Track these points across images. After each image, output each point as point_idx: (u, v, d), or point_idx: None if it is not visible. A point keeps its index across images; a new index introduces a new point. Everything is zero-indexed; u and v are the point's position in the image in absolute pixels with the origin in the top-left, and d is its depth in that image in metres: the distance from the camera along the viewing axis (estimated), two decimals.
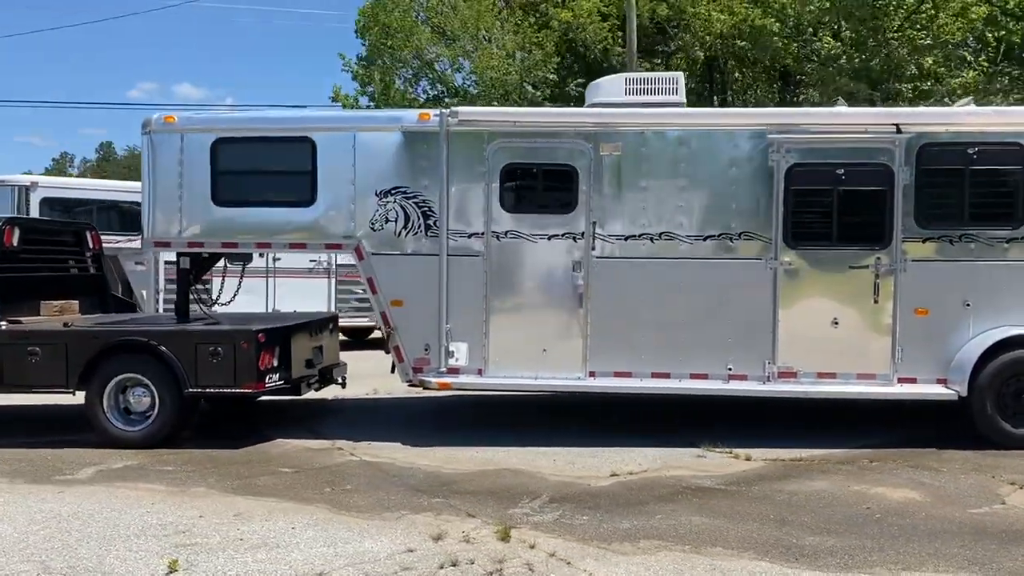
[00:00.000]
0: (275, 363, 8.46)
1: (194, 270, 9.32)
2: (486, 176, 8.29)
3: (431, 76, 33.47)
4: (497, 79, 29.32)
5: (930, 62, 26.01)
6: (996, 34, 27.45)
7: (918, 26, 26.73)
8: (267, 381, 8.34)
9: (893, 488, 6.62)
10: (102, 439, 8.25)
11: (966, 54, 27.49)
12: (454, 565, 5.05)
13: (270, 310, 16.97)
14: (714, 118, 8.50)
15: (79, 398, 8.37)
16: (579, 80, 29.05)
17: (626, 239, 8.23)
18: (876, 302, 8.07)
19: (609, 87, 8.94)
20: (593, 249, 8.23)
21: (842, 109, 8.47)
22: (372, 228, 8.43)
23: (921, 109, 8.59)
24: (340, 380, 9.54)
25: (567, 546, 5.37)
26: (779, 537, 5.51)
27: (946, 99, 21.90)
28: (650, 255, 8.21)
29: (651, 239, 8.21)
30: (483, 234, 8.32)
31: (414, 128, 8.38)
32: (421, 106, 32.20)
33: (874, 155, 8.05)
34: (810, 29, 26.23)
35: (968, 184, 8.01)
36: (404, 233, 8.40)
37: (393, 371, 8.88)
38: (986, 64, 27.23)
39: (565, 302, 8.31)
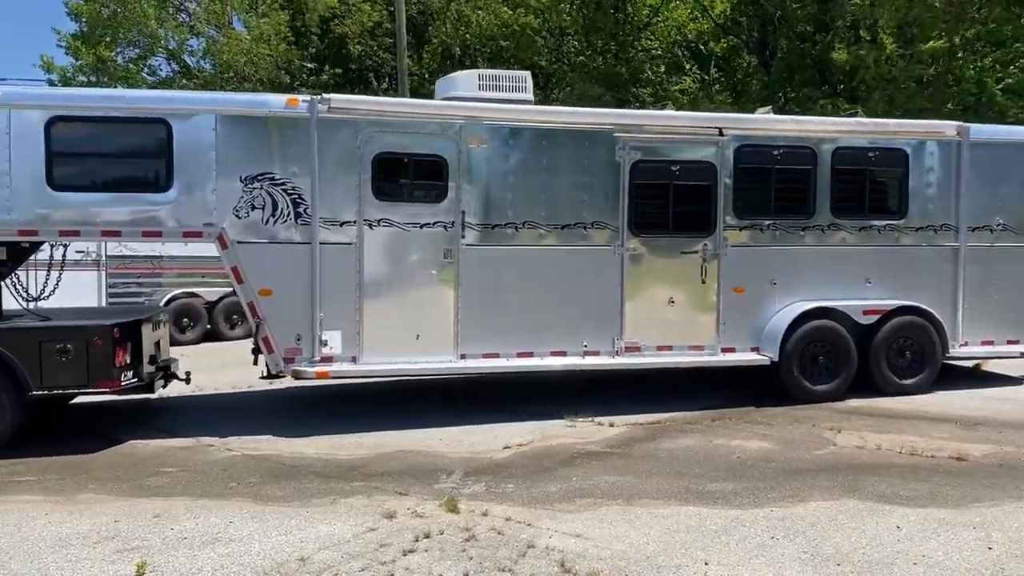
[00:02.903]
0: (128, 360, 7.93)
1: (10, 261, 8.41)
2: (358, 165, 8.34)
3: (163, 54, 31.75)
4: (245, 62, 28.23)
5: (663, 69, 29.11)
6: (707, 46, 31.42)
7: (651, 37, 29.81)
8: (122, 379, 7.80)
9: (745, 440, 7.74)
10: None
11: (684, 62, 31.09)
12: (427, 537, 5.27)
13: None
14: (569, 116, 9.17)
15: None
16: (336, 70, 28.86)
17: (493, 227, 8.69)
18: (704, 283, 9.26)
19: (462, 82, 9.33)
20: (463, 237, 8.60)
21: (676, 112, 9.58)
22: (236, 215, 8.14)
23: (739, 115, 9.88)
24: (184, 376, 9.05)
25: (516, 511, 5.77)
26: (687, 486, 6.32)
27: (669, 103, 24.47)
28: (515, 243, 8.75)
29: (515, 227, 8.75)
30: (355, 222, 8.37)
31: (282, 114, 8.21)
32: (154, 86, 30.40)
33: (702, 154, 9.21)
34: (561, 34, 28.22)
35: (773, 181, 9.45)
36: (272, 221, 8.20)
37: (256, 362, 8.66)
38: (699, 73, 31.00)
39: (436, 288, 8.61)
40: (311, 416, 9.17)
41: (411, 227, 8.50)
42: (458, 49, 28.34)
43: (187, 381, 9.08)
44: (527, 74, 9.46)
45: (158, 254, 16.40)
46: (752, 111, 11.15)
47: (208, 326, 16.96)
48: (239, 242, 8.15)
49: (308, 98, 8.30)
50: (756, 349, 9.41)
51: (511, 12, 26.01)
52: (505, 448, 7.56)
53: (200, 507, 5.97)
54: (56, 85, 31.52)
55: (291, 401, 10.06)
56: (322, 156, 8.24)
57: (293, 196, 8.23)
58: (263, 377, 8.96)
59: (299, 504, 6.02)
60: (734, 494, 6.10)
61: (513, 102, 9.10)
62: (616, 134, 8.95)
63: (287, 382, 9.45)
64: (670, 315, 9.20)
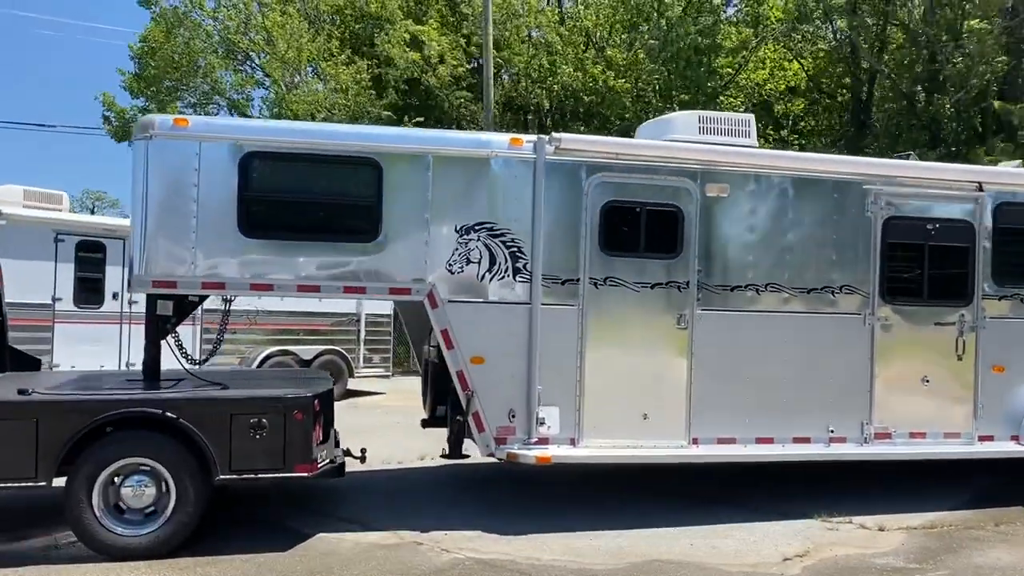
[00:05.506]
0: (321, 437, 6.71)
1: (175, 317, 7.26)
2: (585, 214, 7.20)
3: (223, 103, 31.28)
4: (317, 113, 27.48)
5: None
6: (784, 107, 30.60)
7: (731, 95, 28.99)
8: (319, 461, 6.57)
9: None
10: (89, 547, 6.05)
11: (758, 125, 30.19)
12: None
13: (126, 364, 14.26)
14: (818, 164, 7.97)
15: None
16: (417, 119, 28.09)
17: (732, 290, 7.48)
18: (960, 359, 7.96)
19: (681, 124, 8.20)
20: (698, 300, 7.39)
21: (932, 164, 8.44)
22: (449, 270, 6.99)
23: (999, 168, 8.70)
24: (359, 453, 7.78)
25: None
26: None
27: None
28: (755, 308, 7.52)
29: (756, 290, 7.53)
30: (579, 280, 7.19)
31: (504, 155, 7.11)
32: None
33: (959, 211, 8.01)
34: (649, 91, 27.36)
35: None
36: (489, 277, 7.05)
37: (452, 439, 7.39)
38: (773, 133, 30.02)
39: (667, 359, 7.37)
40: (506, 504, 7.85)
41: (640, 287, 7.31)
42: (547, 103, 27.44)
43: (362, 460, 7.80)
44: (750, 117, 8.33)
45: (254, 309, 15.27)
46: None
47: None
48: (451, 300, 6.99)
49: (534, 138, 7.20)
50: (1016, 438, 8.07)
51: (601, 71, 25.08)
52: (784, 560, 6.23)
53: None
54: (112, 125, 31.11)
55: (466, 483, 8.75)
56: (547, 204, 7.11)
57: (512, 249, 7.08)
58: (444, 456, 7.70)
59: None
60: None
61: (736, 147, 7.97)
62: (867, 186, 7.77)
63: (438, 460, 8.09)
64: (923, 396, 7.89)
